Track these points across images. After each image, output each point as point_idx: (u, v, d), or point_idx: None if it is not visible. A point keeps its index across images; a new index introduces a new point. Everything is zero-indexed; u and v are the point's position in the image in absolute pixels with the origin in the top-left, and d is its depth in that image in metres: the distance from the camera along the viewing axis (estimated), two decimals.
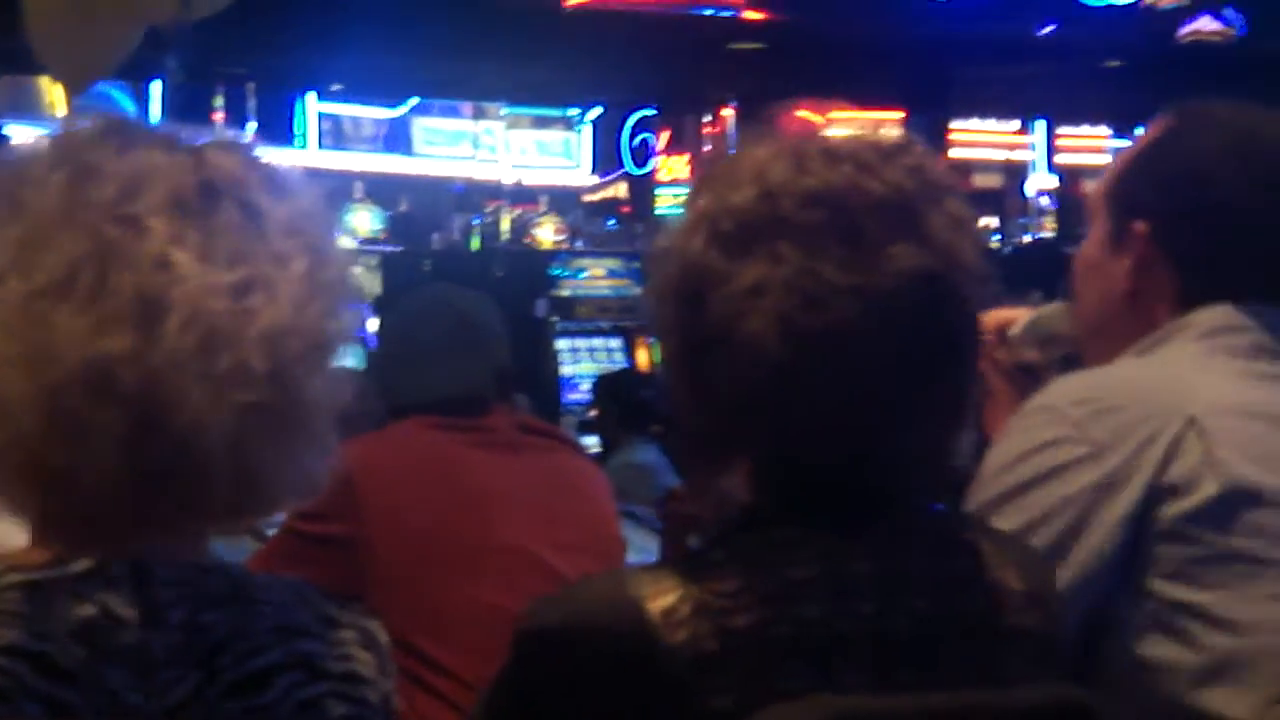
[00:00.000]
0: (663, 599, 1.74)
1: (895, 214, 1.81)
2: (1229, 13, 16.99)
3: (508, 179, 17.63)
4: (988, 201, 19.71)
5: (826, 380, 1.77)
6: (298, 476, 1.66)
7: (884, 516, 1.84)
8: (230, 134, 1.71)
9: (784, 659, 1.73)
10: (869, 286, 1.77)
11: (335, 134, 18.31)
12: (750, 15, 14.51)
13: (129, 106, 16.04)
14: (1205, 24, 16.88)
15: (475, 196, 17.90)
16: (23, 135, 12.03)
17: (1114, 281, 2.40)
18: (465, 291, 4.23)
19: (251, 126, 15.52)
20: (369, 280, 16.32)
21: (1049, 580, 1.94)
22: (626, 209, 19.73)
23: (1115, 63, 15.69)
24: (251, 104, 15.47)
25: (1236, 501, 2.14)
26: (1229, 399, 2.23)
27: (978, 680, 1.81)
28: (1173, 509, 2.15)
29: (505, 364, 4.09)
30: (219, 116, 15.19)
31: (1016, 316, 2.71)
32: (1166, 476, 2.15)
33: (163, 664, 1.59)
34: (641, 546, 4.55)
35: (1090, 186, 2.56)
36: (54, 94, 14.06)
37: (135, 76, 13.78)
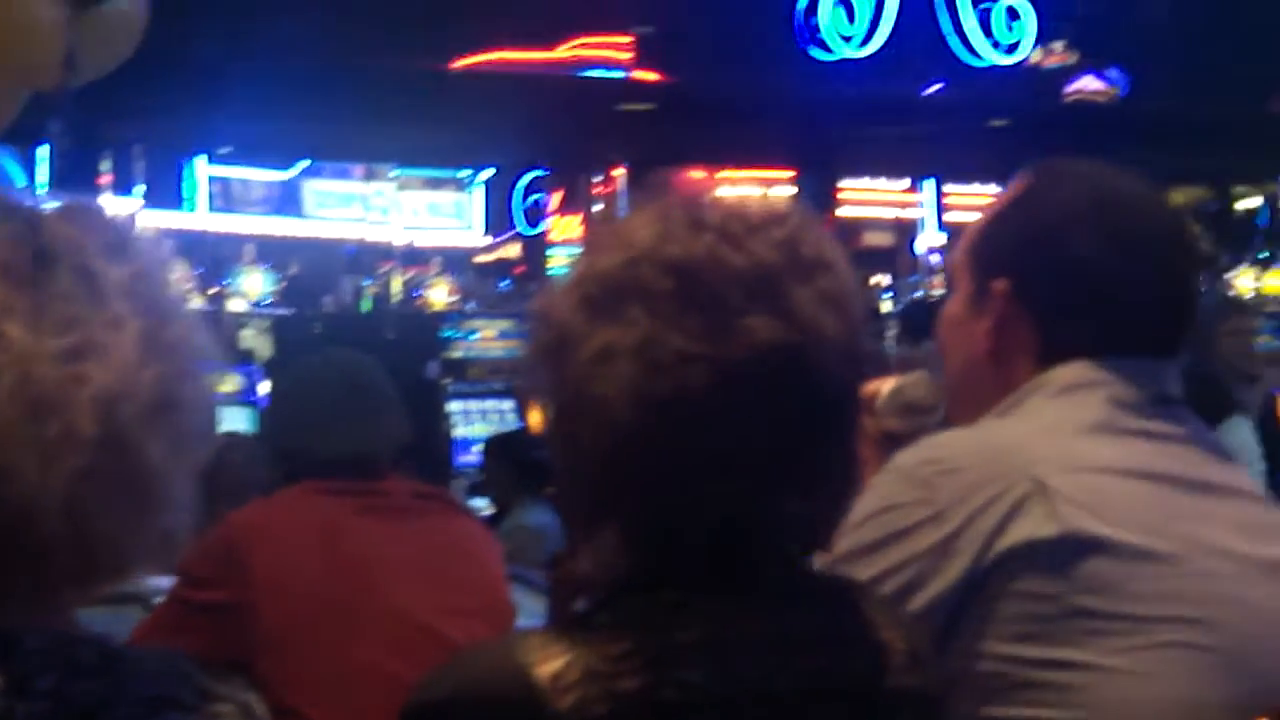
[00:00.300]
0: (550, 664, 1.73)
1: (755, 286, 1.80)
2: (1112, 73, 17.24)
3: (399, 241, 17.60)
4: (879, 259, 19.86)
5: (682, 447, 1.77)
6: (149, 540, 1.64)
7: (767, 578, 1.84)
8: (76, 199, 1.69)
9: None
10: (719, 356, 1.76)
11: (225, 196, 18.26)
12: (640, 76, 14.61)
13: (15, 172, 15.93)
14: (1089, 84, 17.12)
15: (367, 258, 17.87)
16: None
17: (976, 341, 2.40)
18: (358, 356, 4.22)
19: (139, 190, 15.44)
20: (260, 343, 16.25)
21: (926, 642, 1.95)
22: (520, 269, 19.77)
23: (1001, 121, 15.85)
24: (140, 167, 15.38)
25: (1079, 555, 2.14)
26: (1077, 458, 2.23)
27: None
28: (1015, 568, 2.14)
29: (399, 429, 4.08)
30: (106, 180, 15.11)
31: (882, 387, 2.72)
32: (1007, 537, 2.15)
33: None
34: (532, 610, 4.52)
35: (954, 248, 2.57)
36: None
37: (20, 142, 13.68)
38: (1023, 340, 2.38)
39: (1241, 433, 6.96)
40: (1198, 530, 2.23)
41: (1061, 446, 2.24)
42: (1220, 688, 2.15)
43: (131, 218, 1.79)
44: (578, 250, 1.89)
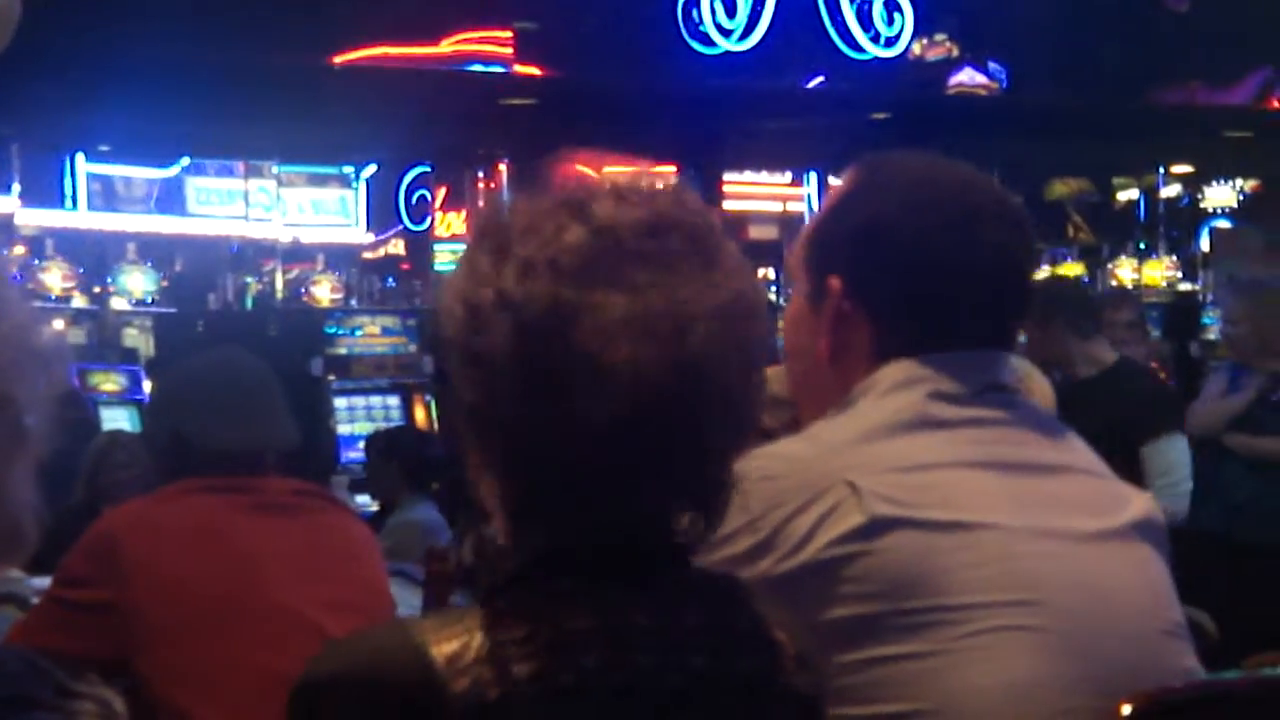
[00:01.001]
0: (446, 645, 1.72)
1: (708, 243, 1.84)
2: (992, 66, 17.36)
3: (283, 238, 17.49)
4: (764, 253, 19.90)
5: (695, 407, 1.78)
6: None
7: (662, 573, 1.85)
8: None
9: (564, 708, 1.73)
10: (717, 309, 1.79)
11: (106, 194, 18.09)
12: (522, 71, 14.58)
13: None
14: (969, 76, 17.24)
15: (250, 255, 17.76)
16: None
17: (815, 340, 2.41)
18: (247, 354, 4.21)
19: (16, 188, 15.28)
20: (143, 342, 16.13)
21: (812, 644, 1.95)
22: (405, 266, 19.69)
23: (883, 114, 15.93)
24: (17, 164, 15.21)
25: (894, 543, 2.15)
26: (893, 459, 2.23)
27: None
28: (832, 570, 2.15)
29: (286, 430, 4.07)
30: None
31: None
32: (820, 538, 2.16)
33: None
34: (414, 605, 4.54)
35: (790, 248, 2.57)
36: None
37: None
38: (858, 337, 2.38)
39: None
40: (1026, 512, 2.24)
41: (877, 448, 2.24)
42: (1057, 667, 2.17)
43: None
44: (482, 247, 1.82)
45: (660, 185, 1.87)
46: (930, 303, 2.36)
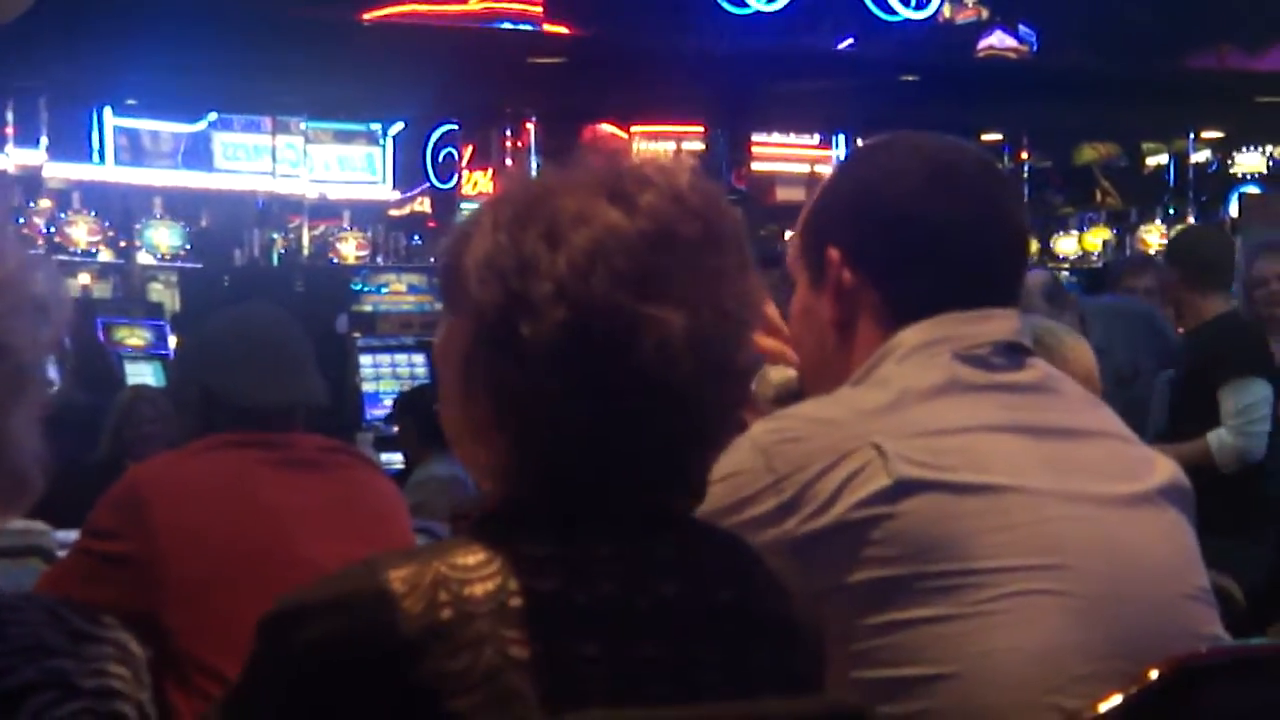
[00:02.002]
0: (403, 570, 1.77)
1: (743, 243, 1.90)
2: (1023, 29, 17.31)
3: (309, 194, 17.50)
4: (791, 214, 19.83)
5: (727, 398, 1.88)
6: None
7: (634, 513, 1.87)
8: None
9: (518, 627, 1.76)
10: (754, 314, 1.89)
11: (133, 149, 18.10)
12: (551, 30, 14.56)
13: None
14: (999, 40, 17.19)
15: (276, 211, 17.77)
16: None
17: (823, 317, 2.42)
18: (279, 310, 4.21)
19: (44, 141, 15.29)
20: (169, 297, 16.16)
21: (797, 580, 1.97)
22: (431, 224, 19.69)
23: (912, 77, 15.89)
24: (44, 118, 15.21)
25: (920, 505, 2.16)
26: (921, 423, 2.23)
27: (721, 661, 1.84)
28: (856, 532, 2.15)
29: (316, 388, 4.08)
30: (9, 130, 14.96)
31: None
32: (845, 500, 2.17)
33: None
34: None
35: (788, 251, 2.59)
36: None
37: None
38: (865, 305, 2.38)
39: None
40: (1052, 475, 2.24)
41: (905, 413, 2.24)
42: (1082, 631, 2.17)
43: None
44: (526, 219, 1.83)
45: (692, 172, 1.89)
46: (932, 262, 2.37)
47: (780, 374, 2.69)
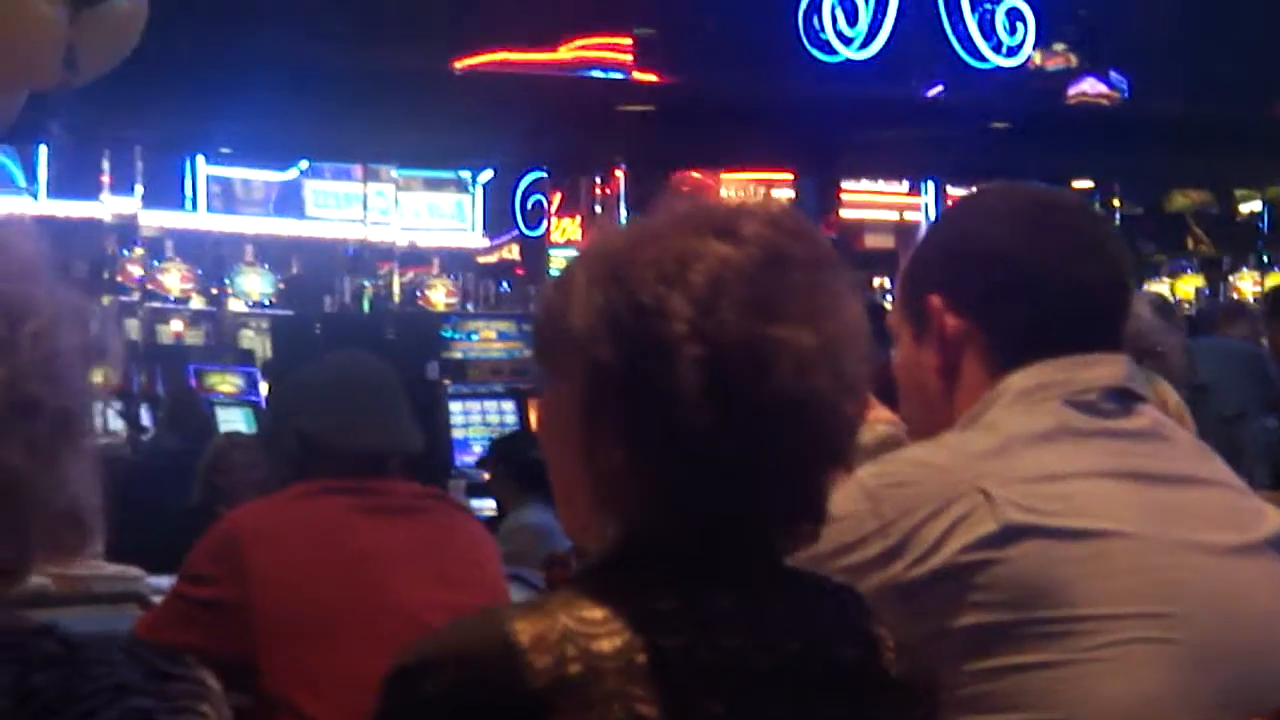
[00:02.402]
0: (530, 625, 1.76)
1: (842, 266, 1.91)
2: (1114, 76, 17.24)
3: (399, 241, 17.60)
4: (880, 262, 19.87)
5: (846, 418, 1.86)
6: (30, 541, 1.63)
7: (753, 566, 1.86)
8: None
9: (645, 684, 1.74)
10: (862, 332, 1.87)
11: (225, 196, 18.28)
12: (640, 78, 14.59)
13: (15, 170, 15.94)
14: (1091, 86, 17.12)
15: (367, 259, 17.88)
16: None
17: (927, 367, 2.41)
18: (376, 359, 4.24)
19: (139, 190, 15.44)
20: (259, 343, 16.27)
21: (914, 641, 1.95)
22: (520, 271, 19.76)
23: (1002, 124, 15.84)
24: (139, 167, 15.37)
25: (1030, 551, 2.14)
26: (1029, 469, 2.22)
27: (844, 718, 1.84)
28: (962, 577, 2.14)
29: (413, 436, 4.10)
30: (106, 179, 15.11)
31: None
32: (951, 544, 2.15)
33: None
34: None
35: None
36: None
37: (20, 140, 13.68)
38: (970, 350, 2.37)
39: None
40: (1161, 523, 2.22)
41: (1012, 459, 2.23)
42: (1189, 681, 2.14)
43: None
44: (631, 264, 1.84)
45: (779, 201, 1.95)
46: (1026, 302, 2.36)
47: (876, 432, 2.69)
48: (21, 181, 16.14)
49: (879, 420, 2.70)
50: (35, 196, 15.96)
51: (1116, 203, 18.07)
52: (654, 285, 1.80)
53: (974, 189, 2.55)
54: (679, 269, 1.80)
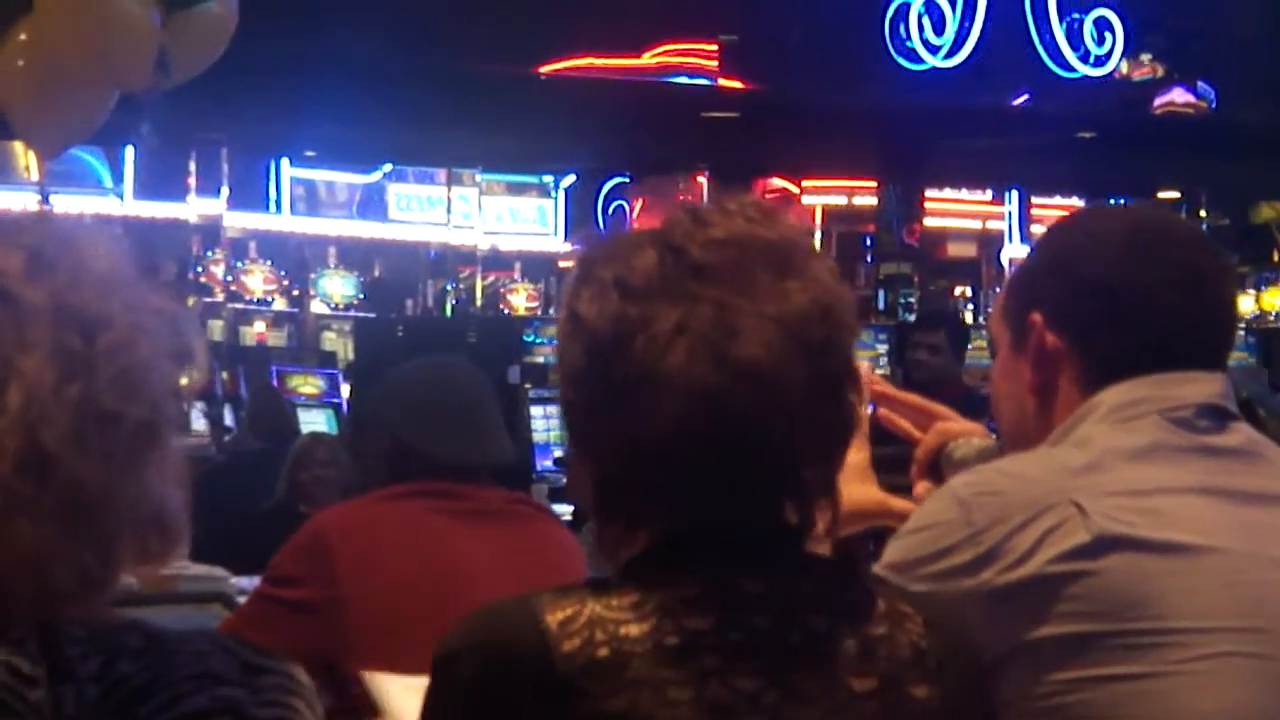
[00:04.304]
0: (560, 612, 1.81)
1: (787, 256, 1.91)
2: (1202, 86, 17.12)
3: (482, 245, 17.64)
4: (962, 270, 19.80)
5: (755, 412, 1.85)
6: (111, 550, 1.64)
7: (776, 553, 1.90)
8: (4, 217, 1.70)
9: (675, 667, 1.79)
10: (782, 315, 1.86)
11: (309, 199, 18.34)
12: (725, 84, 14.58)
13: (102, 171, 16.06)
14: (1178, 96, 17.00)
15: (449, 262, 17.93)
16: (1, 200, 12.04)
17: (1023, 381, 2.41)
18: (464, 365, 4.25)
19: (225, 191, 15.53)
20: (341, 346, 16.34)
21: (958, 647, 1.98)
22: None
23: (1088, 133, 15.75)
24: (225, 169, 15.46)
25: (1120, 562, 2.14)
26: (1123, 483, 2.21)
27: (876, 691, 1.87)
28: (1052, 586, 2.14)
29: (501, 441, 4.11)
30: (192, 181, 15.21)
31: (952, 438, 2.74)
32: (1042, 554, 2.15)
33: (74, 718, 1.57)
34: None
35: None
36: (29, 159, 14.07)
37: (109, 141, 13.77)
38: (1066, 370, 2.37)
39: None
40: (1253, 539, 2.21)
41: (1106, 473, 2.22)
42: (1278, 696, 2.14)
43: (69, 219, 1.78)
44: (577, 274, 1.97)
45: (750, 206, 1.96)
46: (1135, 324, 2.35)
47: (972, 445, 2.70)
48: (108, 182, 16.24)
49: (974, 433, 2.70)
50: (121, 197, 16.05)
51: (1202, 213, 17.95)
52: (576, 284, 1.94)
53: (1090, 204, 2.54)
54: (563, 269, 1.94)
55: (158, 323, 1.65)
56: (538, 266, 18.58)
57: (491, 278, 18.03)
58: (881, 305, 16.99)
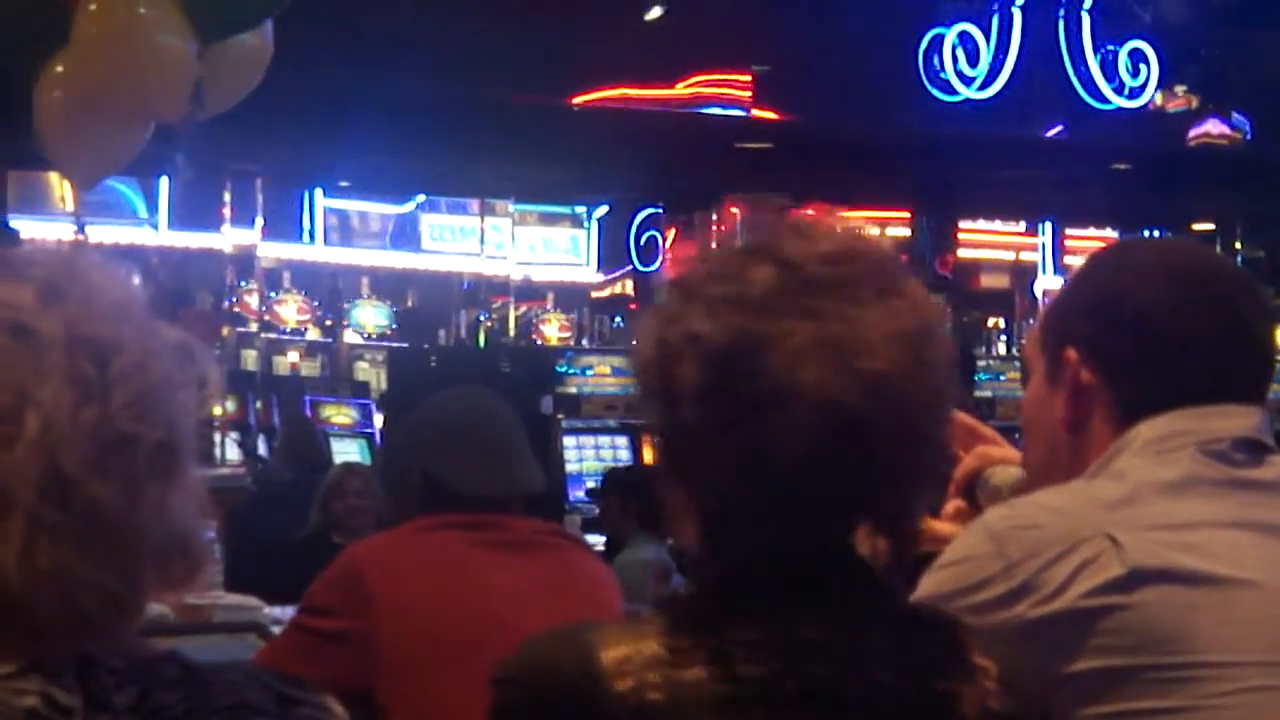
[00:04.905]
0: (616, 649, 1.79)
1: (891, 274, 1.90)
2: (1236, 117, 17.06)
3: (515, 275, 17.67)
4: (995, 301, 19.76)
5: (885, 426, 1.83)
6: (133, 575, 1.64)
7: (847, 594, 1.87)
8: (14, 251, 1.70)
9: (728, 715, 1.77)
10: (902, 331, 1.84)
11: (343, 229, 18.39)
12: (759, 115, 14.58)
13: (137, 201, 16.12)
14: (1213, 127, 16.95)
15: (482, 292, 17.96)
16: (34, 231, 12.09)
17: (1055, 415, 2.39)
18: (492, 396, 4.26)
19: (259, 222, 15.57)
20: (374, 375, 16.38)
21: (1021, 675, 1.96)
22: (633, 306, 19.77)
23: (1123, 165, 15.72)
24: (259, 200, 15.51)
25: (1155, 594, 2.13)
26: (1158, 516, 2.21)
27: None
28: (1086, 620, 2.12)
29: (532, 472, 4.11)
30: (226, 211, 15.25)
31: (991, 464, 2.73)
32: (1077, 587, 2.13)
33: None
34: None
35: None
36: (64, 190, 14.13)
37: (143, 172, 13.82)
38: (1100, 405, 2.36)
39: None
40: None
41: (1141, 506, 2.21)
42: None
43: (75, 247, 1.80)
44: (679, 290, 1.92)
45: (840, 224, 1.95)
46: (1172, 360, 2.34)
47: (1009, 474, 2.69)
48: (143, 213, 16.31)
49: (1014, 461, 2.69)
50: (156, 228, 16.12)
51: (1237, 245, 17.90)
52: (679, 300, 1.88)
53: (1125, 236, 2.53)
54: (703, 285, 1.88)
55: (170, 348, 1.66)
56: (570, 297, 18.61)
57: (524, 308, 18.06)
58: None
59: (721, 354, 1.82)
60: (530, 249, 18.84)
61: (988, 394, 14.05)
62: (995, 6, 15.31)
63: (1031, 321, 18.09)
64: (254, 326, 16.07)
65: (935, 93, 15.13)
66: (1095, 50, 15.75)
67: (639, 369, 1.90)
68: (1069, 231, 19.23)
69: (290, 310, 16.88)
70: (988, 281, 19.78)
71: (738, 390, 1.81)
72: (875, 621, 1.86)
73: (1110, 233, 18.65)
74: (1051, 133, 15.88)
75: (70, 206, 13.09)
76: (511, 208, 18.00)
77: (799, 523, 1.83)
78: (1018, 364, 10.83)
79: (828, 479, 1.81)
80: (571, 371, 12.79)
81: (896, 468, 1.85)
